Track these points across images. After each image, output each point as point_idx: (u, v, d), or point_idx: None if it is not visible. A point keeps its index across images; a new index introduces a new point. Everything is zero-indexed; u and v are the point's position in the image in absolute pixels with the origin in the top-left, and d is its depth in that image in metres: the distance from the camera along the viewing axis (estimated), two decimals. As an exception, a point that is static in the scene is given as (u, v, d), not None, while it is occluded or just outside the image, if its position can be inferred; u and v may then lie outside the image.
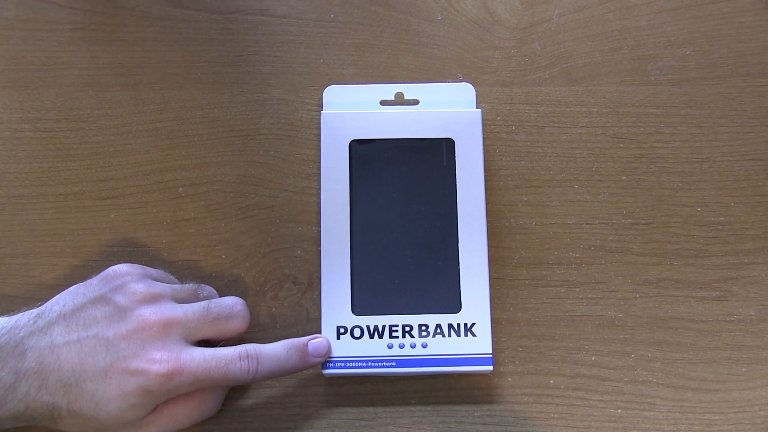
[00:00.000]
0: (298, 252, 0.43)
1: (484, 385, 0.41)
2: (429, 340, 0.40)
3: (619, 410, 0.41)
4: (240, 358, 0.37)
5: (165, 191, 0.44)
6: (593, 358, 0.41)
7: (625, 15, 0.47)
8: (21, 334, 0.35)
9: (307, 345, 0.39)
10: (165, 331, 0.37)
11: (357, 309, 0.41)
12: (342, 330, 0.40)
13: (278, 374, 0.38)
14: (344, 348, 0.40)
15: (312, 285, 0.43)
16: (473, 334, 0.40)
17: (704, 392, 0.41)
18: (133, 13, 0.47)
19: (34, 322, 0.36)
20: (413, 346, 0.40)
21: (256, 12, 0.47)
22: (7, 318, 0.36)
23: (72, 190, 0.44)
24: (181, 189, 0.44)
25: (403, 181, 0.43)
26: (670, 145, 0.45)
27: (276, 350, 0.38)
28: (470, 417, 0.41)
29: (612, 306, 0.42)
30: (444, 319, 0.41)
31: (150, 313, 0.37)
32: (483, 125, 0.44)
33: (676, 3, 0.47)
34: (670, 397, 0.41)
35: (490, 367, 0.40)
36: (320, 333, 0.40)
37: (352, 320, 0.41)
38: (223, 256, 0.43)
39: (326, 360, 0.40)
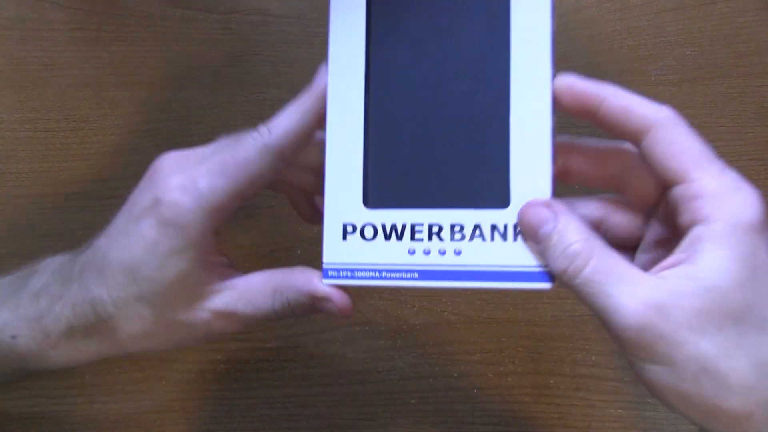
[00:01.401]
0: (298, 252, 0.43)
1: (484, 385, 0.42)
2: (464, 245, 0.31)
3: (619, 410, 0.41)
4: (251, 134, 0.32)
5: (165, 191, 0.44)
6: (593, 358, 0.42)
7: (625, 15, 0.47)
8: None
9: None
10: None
11: (370, 200, 0.32)
12: (350, 228, 0.32)
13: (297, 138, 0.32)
14: (352, 252, 0.32)
15: (312, 285, 0.43)
16: (525, 239, 0.30)
17: (704, 392, 0.41)
18: (133, 13, 0.47)
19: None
20: (442, 253, 0.31)
21: (256, 12, 0.47)
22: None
23: (72, 190, 0.44)
24: (181, 189, 0.44)
25: (436, 27, 0.32)
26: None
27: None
28: (470, 417, 0.41)
29: (612, 306, 0.42)
30: (486, 217, 0.30)
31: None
32: None
33: (676, 3, 0.47)
34: (670, 397, 0.41)
35: (548, 284, 0.30)
36: (322, 233, 0.32)
37: (362, 215, 0.32)
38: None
39: (328, 266, 0.32)
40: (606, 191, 0.32)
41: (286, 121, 0.32)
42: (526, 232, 0.30)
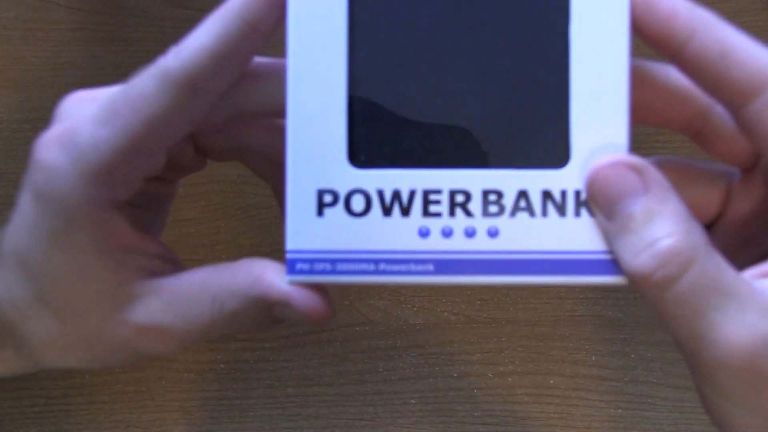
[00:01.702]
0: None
1: (484, 385, 0.41)
2: (502, 222, 0.21)
3: (619, 410, 0.41)
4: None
5: (165, 191, 0.44)
6: (593, 358, 0.41)
7: (625, 15, 0.47)
8: None
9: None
10: None
11: (361, 155, 0.22)
12: (328, 198, 0.21)
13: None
14: (331, 234, 0.21)
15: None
16: (591, 212, 0.21)
17: (704, 392, 0.41)
18: (133, 13, 0.47)
19: None
20: (470, 234, 0.21)
21: (256, 12, 0.47)
22: None
23: (72, 190, 0.44)
24: (181, 189, 0.44)
25: None
26: (671, 145, 0.45)
27: None
28: (470, 417, 0.41)
29: (612, 306, 0.42)
30: (535, 180, 0.21)
31: None
32: None
33: (676, 3, 0.47)
34: (670, 397, 0.41)
35: (621, 277, 0.21)
36: (284, 206, 0.22)
37: (348, 178, 0.21)
38: (223, 256, 0.43)
39: (295, 255, 0.22)
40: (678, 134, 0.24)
41: (201, 38, 0.21)
42: (598, 201, 0.21)
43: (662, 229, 0.19)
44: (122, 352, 0.24)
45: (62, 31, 0.47)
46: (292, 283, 0.22)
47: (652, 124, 0.24)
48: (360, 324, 0.43)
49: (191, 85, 0.21)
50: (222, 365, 0.42)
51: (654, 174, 0.20)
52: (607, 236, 0.21)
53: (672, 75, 0.23)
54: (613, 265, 0.21)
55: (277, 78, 0.22)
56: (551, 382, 0.41)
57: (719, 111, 0.23)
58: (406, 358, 0.42)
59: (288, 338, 0.42)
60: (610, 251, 0.21)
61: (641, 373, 0.41)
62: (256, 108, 0.23)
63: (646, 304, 0.42)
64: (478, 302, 0.42)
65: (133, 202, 0.24)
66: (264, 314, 0.23)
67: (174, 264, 0.25)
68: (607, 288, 0.43)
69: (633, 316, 0.42)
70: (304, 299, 0.22)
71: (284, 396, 0.41)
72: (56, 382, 0.42)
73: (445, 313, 0.43)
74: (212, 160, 0.27)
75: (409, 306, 0.43)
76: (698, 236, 0.20)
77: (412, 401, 0.41)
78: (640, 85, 0.23)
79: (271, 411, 0.41)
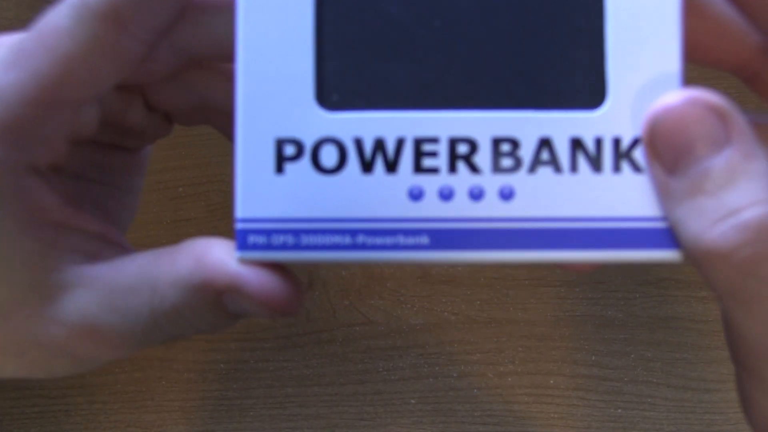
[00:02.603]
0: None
1: (484, 385, 0.41)
2: (519, 179, 0.17)
3: (619, 410, 0.41)
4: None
5: (165, 191, 0.44)
6: (593, 358, 0.41)
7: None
8: None
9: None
10: None
11: (331, 92, 0.17)
12: (289, 149, 0.17)
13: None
14: (294, 196, 0.17)
15: (312, 284, 0.43)
16: (635, 167, 0.17)
17: (704, 392, 0.41)
18: (133, 13, 0.47)
19: None
20: (476, 196, 0.17)
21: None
22: None
23: (72, 190, 0.44)
24: (181, 189, 0.44)
25: None
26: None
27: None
28: (470, 417, 0.41)
29: (612, 306, 0.42)
30: (561, 124, 0.16)
31: None
32: None
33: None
34: (670, 397, 0.41)
35: (676, 252, 0.17)
36: (234, 163, 0.17)
37: (316, 123, 0.17)
38: (223, 256, 0.43)
39: (247, 225, 0.17)
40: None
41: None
42: (661, 151, 0.16)
43: (750, 194, 0.15)
44: (62, 358, 0.19)
45: (62, 31, 0.47)
46: (244, 261, 0.17)
47: (699, 62, 0.19)
48: (360, 324, 0.43)
49: (115, 17, 0.17)
50: (222, 365, 0.42)
51: (740, 121, 0.16)
52: (667, 198, 0.16)
53: (727, 3, 0.18)
54: (668, 236, 0.16)
55: (231, 9, 0.17)
56: (551, 382, 0.41)
57: None
58: (406, 358, 0.42)
59: (288, 338, 0.42)
60: (666, 218, 0.16)
61: (641, 373, 0.41)
62: (208, 50, 0.19)
63: (646, 305, 0.42)
64: (478, 302, 0.42)
65: (70, 171, 0.20)
66: (213, 307, 0.18)
67: (118, 247, 0.20)
68: (607, 288, 0.43)
69: (633, 316, 0.42)
70: (258, 283, 0.17)
71: (284, 396, 0.41)
72: (56, 382, 0.42)
73: (445, 313, 0.43)
74: (179, 123, 0.23)
75: (409, 306, 0.43)
76: None
77: (412, 401, 0.41)
78: (689, 13, 0.18)
79: (271, 411, 0.41)
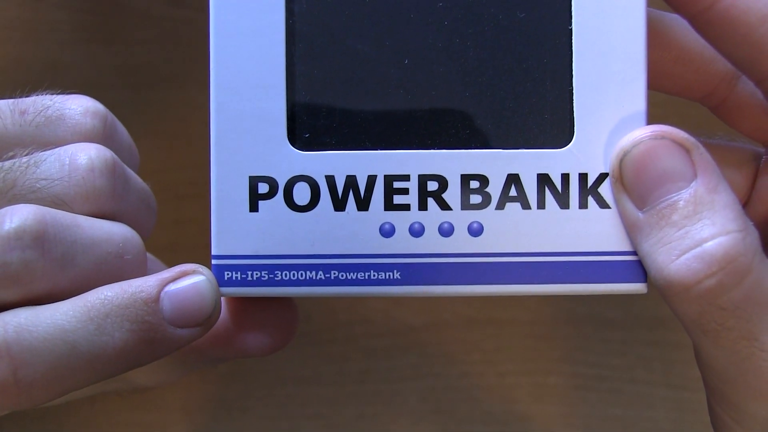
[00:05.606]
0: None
1: (484, 385, 0.42)
2: (487, 215, 0.17)
3: (619, 410, 0.41)
4: None
5: (165, 191, 0.44)
6: (593, 358, 0.42)
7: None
8: None
9: (156, 300, 0.17)
10: None
11: (303, 132, 0.17)
12: (263, 188, 0.17)
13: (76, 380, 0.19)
14: (267, 233, 0.17)
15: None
16: (601, 202, 0.17)
17: (704, 392, 0.41)
18: (133, 13, 0.47)
19: None
20: (446, 232, 0.17)
21: (256, 12, 0.47)
22: None
23: (72, 190, 0.44)
24: (181, 189, 0.44)
25: None
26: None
27: (61, 327, 0.18)
28: (470, 417, 0.41)
29: (612, 306, 0.42)
30: (528, 161, 0.17)
31: None
32: None
33: (676, 3, 0.47)
34: (670, 397, 0.41)
35: (643, 285, 0.19)
36: (210, 202, 0.18)
37: (288, 161, 0.17)
38: (223, 256, 0.43)
39: (223, 261, 0.18)
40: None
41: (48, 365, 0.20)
42: (629, 185, 0.16)
43: (714, 225, 0.15)
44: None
45: (62, 31, 0.47)
46: (224, 294, 0.18)
47: (666, 91, 0.20)
48: (360, 324, 0.43)
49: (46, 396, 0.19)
50: (222, 365, 0.42)
51: (705, 155, 0.16)
52: (634, 231, 0.16)
53: (693, 32, 0.18)
54: (634, 269, 0.18)
55: None
56: (551, 382, 0.41)
57: (747, 79, 0.19)
58: (406, 358, 0.42)
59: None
60: (634, 251, 0.17)
61: (641, 373, 0.41)
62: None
63: (645, 305, 0.42)
64: (478, 302, 0.43)
65: None
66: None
67: None
68: (606, 288, 0.43)
69: (633, 315, 0.42)
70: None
71: (284, 396, 0.41)
72: (56, 382, 0.42)
73: (445, 313, 0.43)
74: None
75: (409, 306, 0.43)
76: (754, 237, 0.16)
77: (412, 401, 0.42)
78: (654, 43, 0.18)
79: (271, 411, 0.41)
